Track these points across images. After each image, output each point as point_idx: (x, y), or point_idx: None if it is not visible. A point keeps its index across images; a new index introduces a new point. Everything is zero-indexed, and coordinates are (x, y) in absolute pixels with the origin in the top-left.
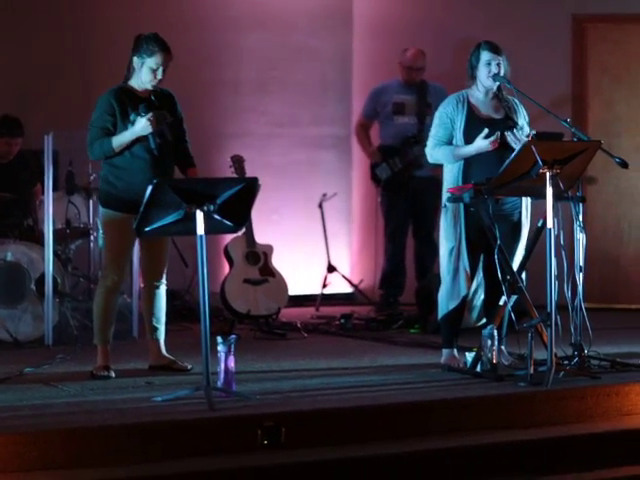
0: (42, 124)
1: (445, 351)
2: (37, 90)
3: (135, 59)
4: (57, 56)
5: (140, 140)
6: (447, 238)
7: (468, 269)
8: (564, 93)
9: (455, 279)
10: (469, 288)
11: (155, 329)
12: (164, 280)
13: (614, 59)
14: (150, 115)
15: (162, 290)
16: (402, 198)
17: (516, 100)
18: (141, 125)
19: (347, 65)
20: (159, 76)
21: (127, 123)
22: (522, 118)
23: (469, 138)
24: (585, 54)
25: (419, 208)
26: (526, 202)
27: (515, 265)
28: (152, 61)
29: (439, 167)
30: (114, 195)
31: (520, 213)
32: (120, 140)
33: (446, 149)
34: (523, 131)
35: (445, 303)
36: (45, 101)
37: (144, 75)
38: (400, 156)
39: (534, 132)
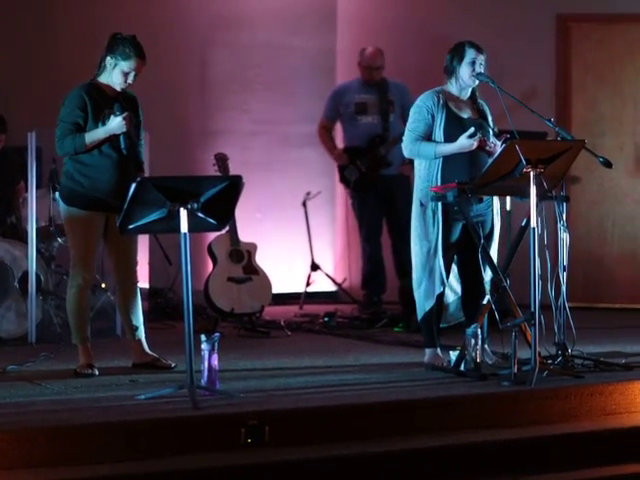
0: (25, 121)
1: (428, 350)
2: (20, 87)
3: (108, 58)
4: (40, 53)
5: (110, 139)
6: (423, 237)
7: (443, 268)
8: (550, 96)
9: (431, 278)
10: (444, 286)
11: (136, 328)
12: (136, 279)
13: (598, 58)
14: (125, 114)
15: (135, 289)
16: (373, 198)
17: (485, 103)
18: (116, 124)
19: (330, 63)
20: (130, 80)
21: (99, 120)
22: (491, 122)
23: (449, 136)
24: (569, 53)
25: (391, 206)
26: (496, 202)
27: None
28: (126, 65)
29: (406, 164)
30: (79, 193)
31: (492, 212)
32: (93, 137)
33: (428, 145)
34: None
35: (423, 303)
36: (28, 98)
37: (115, 76)
38: (367, 156)
39: (507, 136)
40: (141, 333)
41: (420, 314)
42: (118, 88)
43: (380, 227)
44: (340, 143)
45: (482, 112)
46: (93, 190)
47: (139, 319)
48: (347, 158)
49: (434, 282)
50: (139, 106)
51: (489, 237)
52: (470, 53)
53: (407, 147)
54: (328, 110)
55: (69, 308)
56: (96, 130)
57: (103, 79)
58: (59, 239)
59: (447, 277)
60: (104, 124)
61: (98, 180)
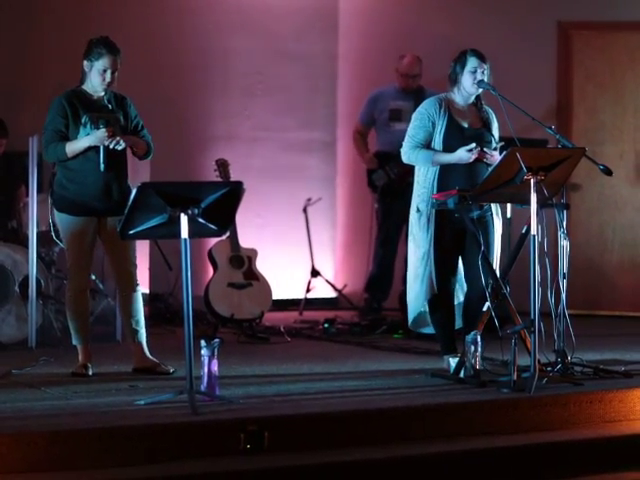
0: (26, 126)
1: (445, 357)
2: (21, 92)
3: (85, 62)
4: (41, 57)
5: (91, 149)
6: (419, 243)
7: (434, 274)
8: (551, 104)
9: (422, 284)
10: (434, 293)
11: (136, 332)
12: (137, 282)
13: (599, 66)
14: (107, 129)
15: (137, 292)
16: (398, 204)
17: (490, 110)
18: (96, 137)
19: (333, 70)
20: (107, 79)
21: (79, 125)
22: (495, 129)
23: (448, 144)
24: (570, 61)
25: None
26: (495, 206)
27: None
28: (100, 64)
29: None
30: (68, 198)
31: (491, 216)
32: (73, 148)
33: (426, 153)
34: (495, 142)
35: (413, 308)
36: (29, 103)
37: (94, 78)
38: (396, 163)
39: (502, 143)
40: (141, 337)
41: (410, 318)
42: (100, 89)
43: (399, 234)
44: (373, 148)
45: (486, 120)
46: (80, 195)
47: (140, 323)
48: (377, 162)
49: (425, 288)
50: (130, 105)
51: (489, 241)
52: (472, 62)
53: (406, 153)
54: (363, 115)
55: (67, 312)
56: (77, 140)
57: (87, 86)
58: (60, 243)
59: (453, 283)
60: (85, 127)
61: (84, 184)
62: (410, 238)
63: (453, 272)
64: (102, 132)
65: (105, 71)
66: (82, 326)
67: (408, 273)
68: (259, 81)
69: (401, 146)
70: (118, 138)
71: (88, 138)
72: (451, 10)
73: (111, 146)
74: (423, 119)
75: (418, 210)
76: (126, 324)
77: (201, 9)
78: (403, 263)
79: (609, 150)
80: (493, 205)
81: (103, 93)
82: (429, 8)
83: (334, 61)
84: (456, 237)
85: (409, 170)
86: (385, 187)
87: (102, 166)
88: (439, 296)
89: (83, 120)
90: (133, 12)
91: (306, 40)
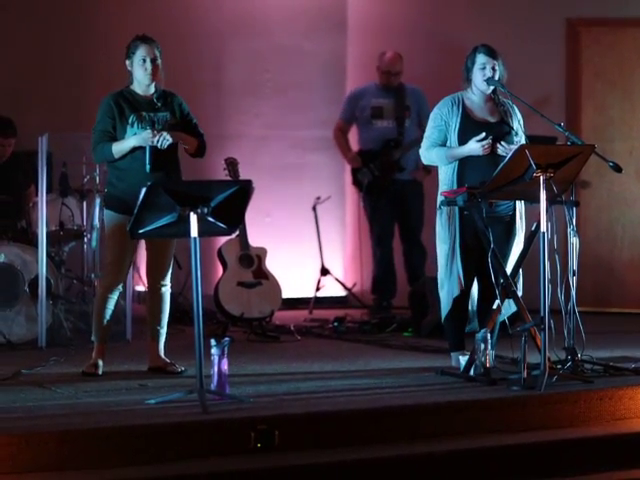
0: (35, 125)
1: (453, 354)
2: (30, 91)
3: (127, 62)
4: (50, 57)
5: (138, 149)
6: (443, 240)
7: (461, 271)
8: (547, 93)
9: (451, 280)
10: (462, 290)
11: (156, 331)
12: (168, 282)
13: (608, 63)
14: (152, 130)
15: (166, 293)
16: (385, 202)
17: (511, 103)
18: (141, 137)
19: (341, 68)
20: (148, 67)
21: (126, 125)
22: (516, 122)
23: (464, 141)
24: (579, 58)
25: (404, 211)
26: (520, 204)
27: (509, 268)
28: (138, 55)
29: (420, 170)
30: (115, 196)
31: (514, 215)
32: (119, 148)
33: (439, 150)
34: (518, 135)
35: (446, 305)
36: (38, 102)
37: (137, 73)
38: (380, 160)
39: (523, 142)
40: (160, 337)
41: (443, 315)
42: (147, 82)
43: (392, 231)
44: (355, 146)
45: (505, 113)
46: (128, 194)
47: (161, 322)
48: (361, 161)
49: (454, 284)
50: (180, 103)
51: (509, 240)
52: (480, 58)
53: (423, 154)
54: (345, 112)
55: (94, 308)
56: (123, 141)
57: (134, 85)
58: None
59: (470, 279)
60: (132, 127)
61: (132, 183)
62: (437, 236)
63: (475, 270)
64: (147, 133)
65: (145, 60)
66: (105, 325)
67: (439, 270)
68: (268, 79)
69: (383, 143)
70: (164, 134)
71: (134, 138)
72: (460, 9)
73: (157, 144)
74: (436, 119)
75: (439, 207)
76: (149, 321)
77: (209, 8)
78: (403, 260)
79: (618, 147)
80: (518, 206)
81: (152, 91)
82: (438, 7)
83: (342, 59)
84: (477, 235)
85: (393, 167)
86: (370, 185)
87: (148, 167)
88: (463, 294)
89: (130, 120)
90: (144, 10)
91: (314, 38)
